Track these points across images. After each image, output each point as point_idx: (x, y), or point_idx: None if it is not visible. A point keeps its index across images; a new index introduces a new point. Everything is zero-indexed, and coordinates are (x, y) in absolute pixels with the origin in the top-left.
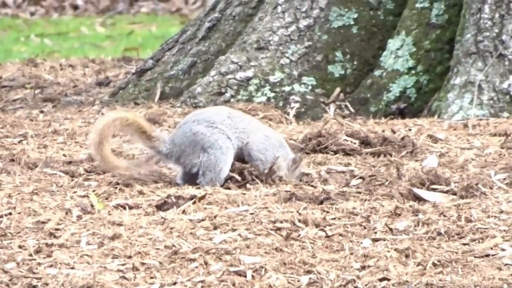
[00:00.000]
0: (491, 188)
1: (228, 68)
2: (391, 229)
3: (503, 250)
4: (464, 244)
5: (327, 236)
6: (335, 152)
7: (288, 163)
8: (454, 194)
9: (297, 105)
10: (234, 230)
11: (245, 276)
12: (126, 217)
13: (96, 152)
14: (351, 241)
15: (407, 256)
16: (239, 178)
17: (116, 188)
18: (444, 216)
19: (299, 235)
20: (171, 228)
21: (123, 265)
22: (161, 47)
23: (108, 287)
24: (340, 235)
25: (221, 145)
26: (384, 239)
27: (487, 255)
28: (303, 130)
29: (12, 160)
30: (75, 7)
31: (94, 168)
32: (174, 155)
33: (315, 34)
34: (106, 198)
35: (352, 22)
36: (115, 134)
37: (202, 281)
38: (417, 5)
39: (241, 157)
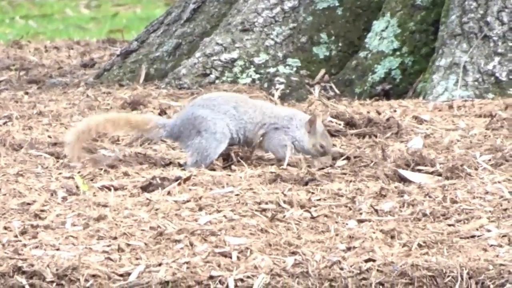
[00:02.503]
0: (476, 169)
1: (213, 50)
2: (376, 210)
3: (488, 231)
4: (449, 225)
5: (312, 217)
6: None
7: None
8: (439, 175)
9: (282, 86)
10: (219, 211)
11: (231, 257)
12: (111, 199)
13: (72, 137)
14: (336, 222)
15: (392, 237)
16: (220, 164)
17: (101, 169)
18: (430, 197)
19: (284, 216)
20: (156, 210)
21: (108, 246)
22: (146, 29)
23: (93, 268)
24: (325, 216)
25: (216, 130)
26: (370, 220)
27: (473, 236)
28: None
29: None
30: None
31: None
32: (173, 134)
33: (299, 15)
34: (91, 180)
35: (337, 4)
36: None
37: (187, 262)
38: None
39: (251, 145)
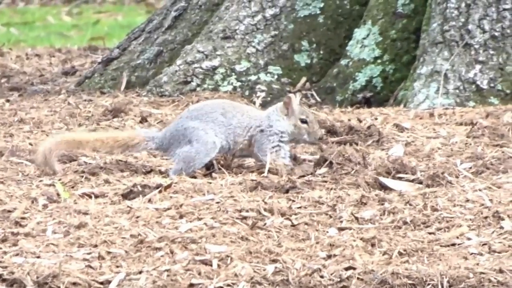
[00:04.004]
0: (457, 177)
1: (194, 57)
2: (357, 218)
3: (468, 239)
4: (430, 233)
5: (293, 225)
6: None
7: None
8: (420, 183)
9: (263, 94)
10: (200, 219)
11: (211, 265)
12: (92, 206)
13: (50, 147)
14: (317, 230)
15: (373, 245)
16: (201, 172)
17: (82, 177)
18: (410, 205)
19: (265, 224)
20: (137, 217)
21: (89, 254)
22: (127, 36)
23: (74, 276)
24: (306, 224)
25: (208, 140)
26: (350, 228)
27: (453, 244)
28: None
29: None
30: None
31: (60, 157)
32: (163, 147)
33: (281, 23)
34: (72, 187)
35: (318, 11)
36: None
37: (168, 270)
38: None
39: (239, 151)
